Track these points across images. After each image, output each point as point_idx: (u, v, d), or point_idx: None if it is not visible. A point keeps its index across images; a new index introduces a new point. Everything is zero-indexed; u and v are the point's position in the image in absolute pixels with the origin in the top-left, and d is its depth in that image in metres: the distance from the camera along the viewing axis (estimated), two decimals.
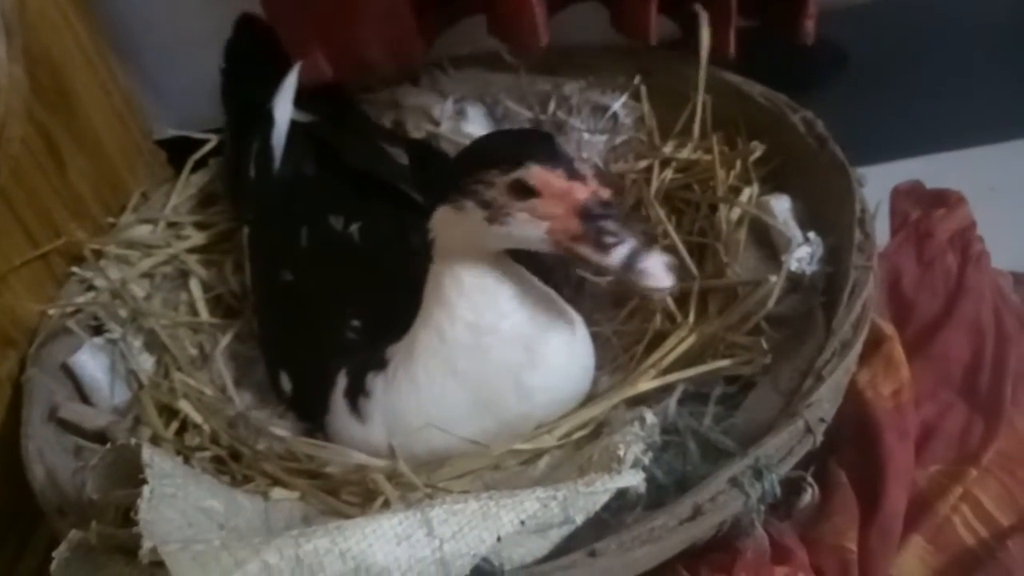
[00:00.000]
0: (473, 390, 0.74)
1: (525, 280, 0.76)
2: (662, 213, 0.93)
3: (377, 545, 0.55)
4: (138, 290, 1.00)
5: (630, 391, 0.78)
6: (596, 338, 0.91)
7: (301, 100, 1.03)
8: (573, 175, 0.66)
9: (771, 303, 0.76)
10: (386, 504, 0.75)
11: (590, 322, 0.89)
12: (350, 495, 0.76)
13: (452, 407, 0.75)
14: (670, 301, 0.86)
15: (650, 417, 0.76)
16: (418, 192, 0.93)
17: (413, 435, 0.75)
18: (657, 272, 0.64)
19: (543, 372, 0.74)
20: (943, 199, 1.02)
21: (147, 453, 0.60)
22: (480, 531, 0.57)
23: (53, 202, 0.99)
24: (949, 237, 1.00)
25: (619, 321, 0.90)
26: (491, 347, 0.74)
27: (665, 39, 1.12)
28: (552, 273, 0.98)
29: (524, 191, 0.66)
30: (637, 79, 1.09)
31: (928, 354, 0.88)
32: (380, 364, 0.79)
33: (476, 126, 1.22)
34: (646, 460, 0.67)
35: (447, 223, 0.72)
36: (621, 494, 0.65)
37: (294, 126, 1.02)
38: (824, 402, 0.71)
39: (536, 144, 0.68)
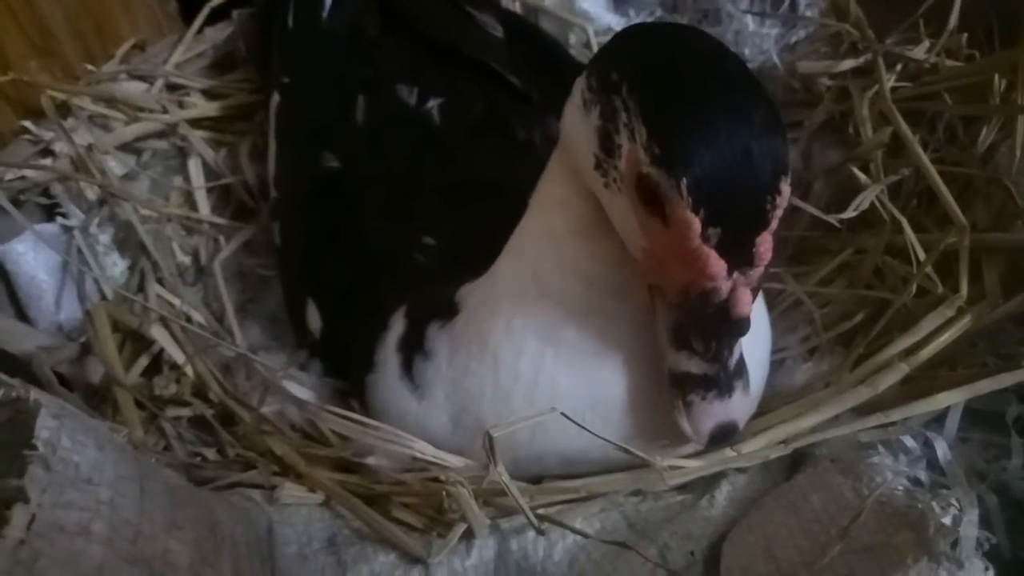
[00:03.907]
0: (586, 375, 0.49)
1: None
2: (904, 126, 0.62)
3: None
4: (116, 165, 0.78)
5: (864, 393, 0.50)
6: (773, 301, 0.63)
7: None
8: (734, 251, 0.40)
9: None
10: (468, 534, 0.46)
11: None
12: (405, 510, 0.51)
13: (550, 396, 0.49)
14: (920, 250, 0.56)
15: (911, 442, 0.46)
16: (517, 76, 0.72)
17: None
18: (698, 420, 0.46)
19: None
20: None
21: (46, 426, 0.30)
22: None
23: (7, 26, 0.77)
24: None
25: (814, 280, 0.62)
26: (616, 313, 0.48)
27: None
28: None
29: (649, 195, 0.41)
30: None
31: None
32: (447, 309, 0.53)
33: (593, 4, 0.94)
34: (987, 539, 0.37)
35: (571, 120, 0.46)
36: None
37: None
38: None
39: (742, 140, 0.39)
